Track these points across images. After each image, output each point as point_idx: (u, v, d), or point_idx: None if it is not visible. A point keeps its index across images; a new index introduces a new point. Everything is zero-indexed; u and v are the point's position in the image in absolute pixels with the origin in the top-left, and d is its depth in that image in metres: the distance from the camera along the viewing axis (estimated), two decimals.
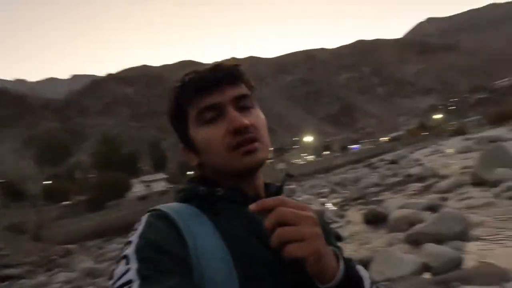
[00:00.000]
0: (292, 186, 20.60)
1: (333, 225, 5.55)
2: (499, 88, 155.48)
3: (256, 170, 0.56)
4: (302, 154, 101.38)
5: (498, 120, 56.53)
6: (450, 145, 24.70)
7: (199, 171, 0.60)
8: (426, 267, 2.66)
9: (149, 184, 40.83)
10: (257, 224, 0.50)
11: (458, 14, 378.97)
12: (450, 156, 14.59)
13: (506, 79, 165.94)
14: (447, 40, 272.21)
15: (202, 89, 0.54)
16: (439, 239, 3.23)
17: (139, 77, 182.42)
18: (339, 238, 4.61)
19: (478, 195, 4.98)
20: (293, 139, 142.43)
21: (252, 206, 0.42)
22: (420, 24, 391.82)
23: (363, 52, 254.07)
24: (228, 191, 0.54)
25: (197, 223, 0.50)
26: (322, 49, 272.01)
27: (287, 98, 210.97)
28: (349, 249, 3.85)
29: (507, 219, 3.40)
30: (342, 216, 6.19)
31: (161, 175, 46.23)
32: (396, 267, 2.69)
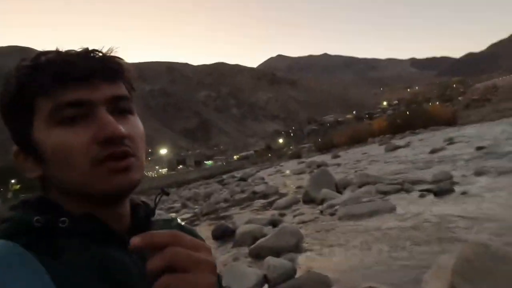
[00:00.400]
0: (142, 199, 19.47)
1: None
2: (325, 122, 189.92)
3: (127, 195, 0.43)
4: (155, 167, 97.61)
5: (324, 148, 68.77)
6: (289, 167, 28.32)
7: (40, 188, 0.43)
8: (266, 279, 2.88)
9: None
10: (121, 271, 0.37)
11: (301, 56, 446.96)
12: (288, 176, 16.64)
13: (331, 116, 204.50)
14: (292, 75, 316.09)
15: (66, 77, 0.39)
16: (278, 252, 3.58)
17: None
18: None
19: (308, 211, 5.80)
20: (148, 150, 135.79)
21: (136, 241, 0.30)
22: (272, 59, 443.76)
23: (223, 74, 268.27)
24: (78, 221, 0.39)
25: (18, 276, 0.32)
26: (186, 64, 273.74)
27: (144, 108, 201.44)
28: None
29: (328, 233, 4.04)
30: None
31: None
32: (241, 280, 2.81)
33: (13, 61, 0.45)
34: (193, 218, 8.13)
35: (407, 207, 4.50)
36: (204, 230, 6.21)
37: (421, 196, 5.02)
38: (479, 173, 5.81)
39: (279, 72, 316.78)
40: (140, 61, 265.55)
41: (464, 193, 4.62)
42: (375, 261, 2.87)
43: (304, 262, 3.19)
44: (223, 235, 5.17)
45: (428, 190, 5.17)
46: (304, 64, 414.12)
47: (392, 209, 4.51)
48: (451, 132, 28.41)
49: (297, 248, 3.63)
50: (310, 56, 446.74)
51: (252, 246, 3.86)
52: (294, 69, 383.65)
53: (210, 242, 5.06)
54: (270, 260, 3.02)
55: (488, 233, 2.97)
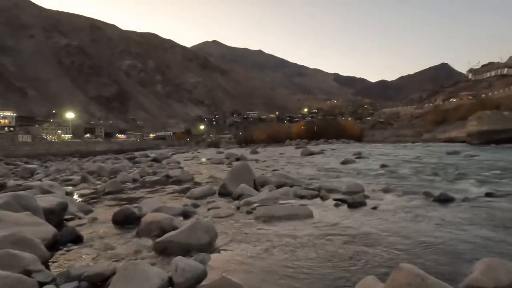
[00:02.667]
0: (33, 165, 17.05)
1: (75, 222, 4.69)
2: (249, 117, 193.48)
3: None
4: (57, 131, 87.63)
5: (243, 142, 69.95)
6: (206, 155, 27.85)
7: None
8: (171, 282, 2.48)
9: None
10: None
11: (237, 48, 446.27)
12: (205, 165, 16.21)
13: (255, 112, 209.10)
14: (224, 64, 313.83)
15: None
16: (188, 249, 3.19)
17: None
18: (78, 239, 3.87)
19: (224, 205, 5.51)
20: (52, 111, 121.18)
21: None
22: (207, 42, 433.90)
23: (153, 46, 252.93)
24: None
25: None
26: (113, 26, 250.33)
27: (55, 63, 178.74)
28: (88, 256, 3.22)
29: (245, 233, 3.78)
30: (88, 212, 5.38)
31: None
32: (141, 282, 2.36)
33: None
34: (93, 196, 7.20)
35: (324, 215, 4.51)
36: (104, 211, 5.47)
37: (336, 205, 5.12)
38: (386, 190, 6.22)
39: (212, 58, 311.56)
40: (59, 10, 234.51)
41: (375, 207, 4.83)
42: (294, 271, 2.69)
43: (216, 264, 2.87)
44: (126, 221, 4.55)
45: (342, 200, 5.31)
46: (238, 56, 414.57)
47: (309, 215, 4.47)
48: (359, 147, 31.29)
49: (210, 248, 3.29)
50: (246, 49, 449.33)
51: (159, 240, 3.39)
52: (227, 58, 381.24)
53: (109, 227, 4.41)
54: (179, 261, 2.61)
55: (403, 251, 3.03)
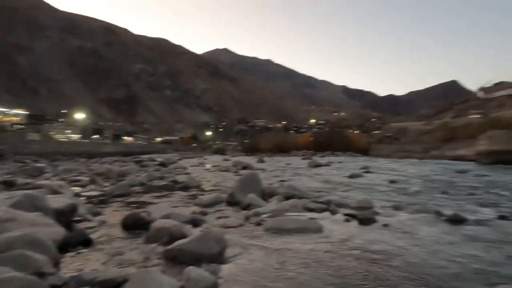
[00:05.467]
0: (42, 164, 17.21)
1: (83, 224, 4.70)
2: (256, 126, 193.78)
3: None
4: (66, 130, 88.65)
5: (249, 150, 69.95)
6: (212, 161, 27.87)
7: None
8: None
9: None
10: None
11: (246, 56, 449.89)
12: (212, 172, 16.21)
13: (262, 121, 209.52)
14: (234, 72, 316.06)
15: None
16: (199, 259, 3.17)
17: None
18: (88, 241, 3.87)
19: (232, 215, 5.48)
20: (61, 111, 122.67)
21: None
22: (218, 50, 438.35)
23: (164, 51, 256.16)
24: None
25: None
26: (126, 30, 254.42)
27: (67, 64, 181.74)
28: (98, 260, 3.22)
29: (255, 245, 3.75)
30: (97, 214, 5.39)
31: None
32: None
33: None
34: (101, 198, 7.22)
35: (334, 230, 4.46)
36: (112, 214, 5.48)
37: (346, 220, 5.06)
38: (397, 207, 6.15)
39: (222, 66, 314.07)
40: (74, 12, 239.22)
41: (386, 225, 4.76)
42: (304, 286, 2.65)
43: (227, 276, 2.84)
44: (135, 225, 4.54)
45: (352, 216, 5.25)
46: (247, 64, 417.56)
47: (319, 229, 4.42)
48: (365, 161, 31.07)
49: (221, 258, 3.26)
50: (255, 59, 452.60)
51: (169, 247, 3.38)
52: (236, 67, 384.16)
53: (118, 231, 4.41)
54: (191, 271, 2.59)
55: (416, 273, 2.97)
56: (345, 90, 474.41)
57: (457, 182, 11.28)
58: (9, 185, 8.82)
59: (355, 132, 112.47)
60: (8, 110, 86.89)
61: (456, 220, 5.08)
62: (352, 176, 13.06)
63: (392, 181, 11.16)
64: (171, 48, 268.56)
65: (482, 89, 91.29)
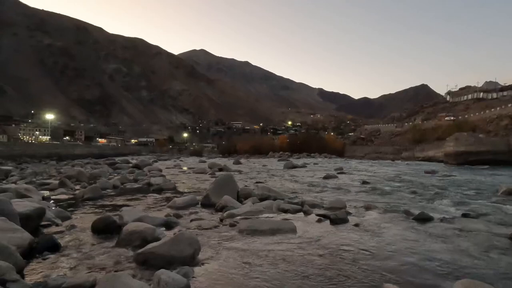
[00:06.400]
0: (8, 167, 16.43)
1: (52, 229, 4.54)
2: (233, 127, 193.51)
3: None
4: (36, 132, 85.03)
5: (226, 152, 69.67)
6: (189, 163, 27.59)
7: None
8: None
9: None
10: None
11: (224, 58, 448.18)
12: (187, 174, 16.04)
13: (239, 122, 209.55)
14: (210, 74, 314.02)
15: None
16: (170, 262, 3.14)
17: None
18: (56, 247, 3.75)
19: (207, 217, 5.46)
20: (31, 111, 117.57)
21: None
22: (195, 51, 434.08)
23: (139, 51, 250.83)
24: None
25: None
26: (100, 29, 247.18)
27: (37, 63, 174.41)
28: (66, 266, 3.13)
29: (228, 247, 3.76)
30: (66, 218, 5.22)
31: None
32: None
33: None
34: (71, 201, 7.00)
35: (307, 230, 4.54)
36: (83, 218, 5.32)
37: (319, 220, 5.16)
38: (368, 207, 6.33)
39: (199, 67, 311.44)
40: (44, 9, 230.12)
41: (357, 224, 4.89)
42: (276, 286, 2.69)
43: (200, 278, 2.84)
44: (106, 229, 4.44)
45: (325, 216, 5.36)
46: (224, 66, 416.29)
47: (292, 230, 4.49)
48: (340, 162, 31.72)
49: (193, 261, 3.25)
50: (233, 60, 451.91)
51: (140, 251, 3.33)
52: (213, 68, 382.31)
53: (88, 235, 4.29)
54: (162, 274, 2.57)
55: (385, 270, 3.08)
56: (321, 92, 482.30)
57: (426, 183, 11.74)
58: None
59: (330, 134, 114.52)
60: None
61: (423, 219, 5.30)
62: (326, 177, 13.31)
63: (365, 182, 11.46)
64: (147, 48, 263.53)
65: (450, 93, 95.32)
